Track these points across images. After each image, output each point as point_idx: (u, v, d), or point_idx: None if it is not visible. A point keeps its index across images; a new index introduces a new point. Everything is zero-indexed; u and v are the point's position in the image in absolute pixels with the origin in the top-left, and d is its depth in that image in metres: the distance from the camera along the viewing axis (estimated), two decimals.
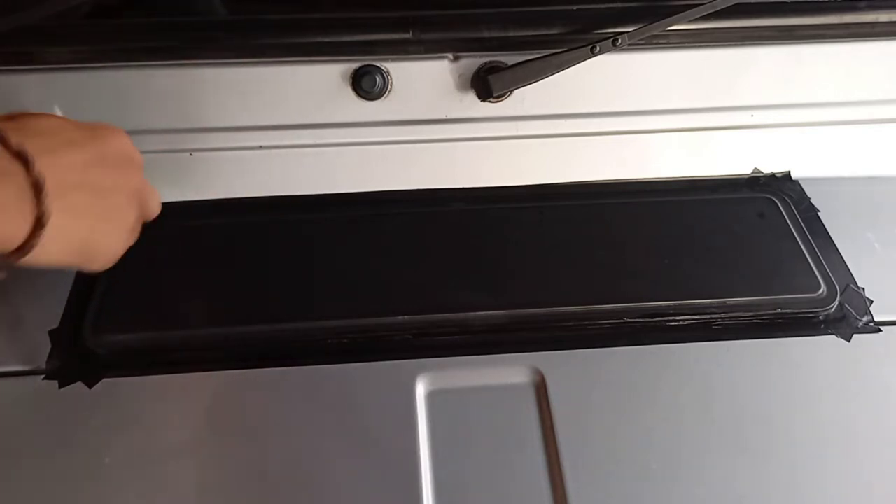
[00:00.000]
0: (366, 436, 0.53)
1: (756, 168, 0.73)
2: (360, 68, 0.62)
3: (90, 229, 0.46)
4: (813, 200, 0.70)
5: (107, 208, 0.47)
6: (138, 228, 0.53)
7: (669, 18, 0.59)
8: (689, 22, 0.60)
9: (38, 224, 0.41)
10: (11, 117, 0.45)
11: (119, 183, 0.48)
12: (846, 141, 0.72)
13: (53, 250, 0.43)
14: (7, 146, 0.41)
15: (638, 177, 0.72)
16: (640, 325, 0.60)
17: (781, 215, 0.68)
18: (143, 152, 0.66)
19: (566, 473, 0.51)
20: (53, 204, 0.42)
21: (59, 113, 0.63)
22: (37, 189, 0.41)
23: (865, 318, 0.60)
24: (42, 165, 0.41)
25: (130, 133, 0.65)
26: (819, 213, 0.69)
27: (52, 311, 0.60)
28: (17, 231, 0.41)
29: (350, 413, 0.54)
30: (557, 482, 0.50)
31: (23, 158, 0.41)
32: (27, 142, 0.41)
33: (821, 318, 0.61)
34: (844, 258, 0.65)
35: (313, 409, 0.55)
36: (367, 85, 0.63)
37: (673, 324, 0.60)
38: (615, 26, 0.61)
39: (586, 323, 0.60)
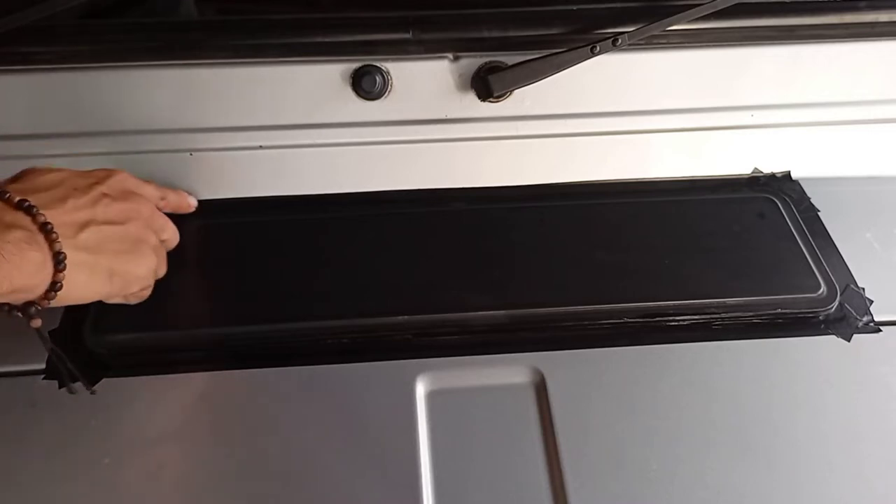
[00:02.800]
0: (366, 436, 0.53)
1: (756, 168, 0.73)
2: (360, 68, 0.62)
3: (112, 259, 0.50)
4: (813, 200, 0.70)
5: (122, 238, 0.51)
6: (163, 256, 0.58)
7: (669, 18, 0.59)
8: (689, 22, 0.60)
9: (58, 262, 0.45)
10: (16, 178, 0.50)
11: (127, 213, 0.52)
12: (846, 141, 0.72)
13: (81, 284, 0.48)
14: (9, 202, 0.45)
15: (638, 177, 0.72)
16: (640, 325, 0.60)
17: (781, 215, 0.68)
18: (143, 152, 0.67)
19: (566, 473, 0.51)
20: (67, 242, 0.46)
21: (58, 112, 0.63)
22: (45, 232, 0.45)
23: (865, 318, 0.60)
24: (47, 214, 0.46)
25: (131, 133, 0.66)
26: (819, 213, 0.69)
27: (52, 311, 0.60)
28: (38, 272, 0.45)
29: (350, 413, 0.54)
30: (557, 482, 0.50)
31: (26, 210, 0.45)
32: (31, 197, 0.46)
33: (821, 318, 0.61)
34: (844, 258, 0.65)
35: (313, 409, 0.55)
36: (367, 85, 0.63)
37: (673, 324, 0.60)
38: (615, 26, 0.61)
39: (586, 323, 0.60)
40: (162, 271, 0.59)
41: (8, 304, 0.47)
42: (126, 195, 0.54)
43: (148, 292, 0.58)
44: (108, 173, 0.54)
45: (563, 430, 0.53)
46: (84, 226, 0.48)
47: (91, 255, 0.48)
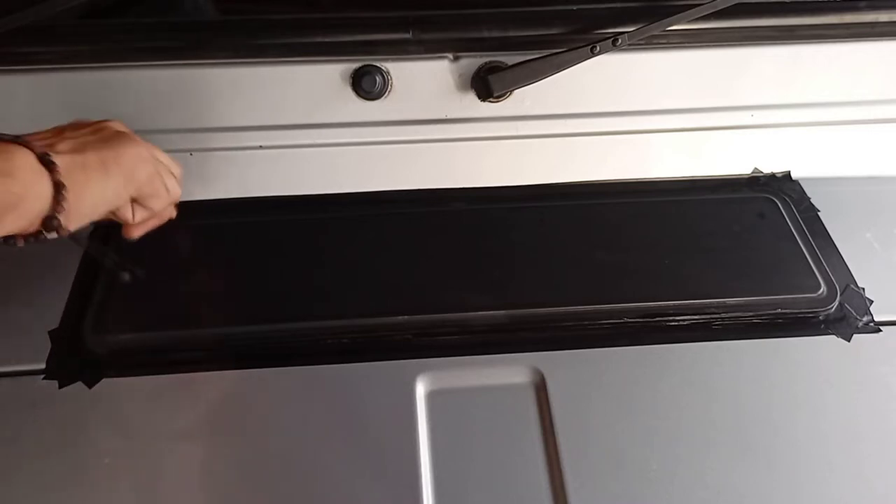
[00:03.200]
0: (366, 436, 0.53)
1: (756, 168, 0.73)
2: (360, 68, 0.62)
3: (98, 151, 0.49)
4: (813, 200, 0.70)
5: (98, 135, 0.51)
6: (165, 170, 0.55)
7: (669, 18, 0.59)
8: (689, 22, 0.60)
9: (47, 163, 0.45)
10: None
11: (98, 127, 0.52)
12: (846, 141, 0.72)
13: (82, 182, 0.47)
14: None
15: (638, 177, 0.72)
16: (640, 325, 0.60)
17: (781, 215, 0.68)
18: None
19: (566, 473, 0.51)
20: (49, 152, 0.45)
21: (58, 112, 0.63)
22: (19, 142, 0.45)
23: (865, 318, 0.60)
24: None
25: None
26: (819, 213, 0.69)
27: (52, 311, 0.60)
28: (32, 176, 0.44)
29: (350, 413, 0.54)
30: (557, 482, 0.50)
31: None
32: None
33: (821, 318, 0.60)
34: (844, 258, 0.65)
35: (313, 409, 0.55)
36: (367, 85, 0.63)
37: (673, 324, 0.60)
38: (615, 26, 0.61)
39: (586, 323, 0.60)
40: (162, 190, 0.54)
41: (29, 233, 0.46)
42: (86, 123, 0.52)
43: (160, 189, 0.53)
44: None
45: (563, 430, 0.53)
46: (59, 142, 0.48)
47: (78, 155, 0.47)
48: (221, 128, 0.66)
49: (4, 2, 0.55)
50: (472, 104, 0.65)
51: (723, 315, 0.60)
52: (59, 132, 0.50)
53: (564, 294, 0.61)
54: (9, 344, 0.58)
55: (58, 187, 0.45)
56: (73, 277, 0.63)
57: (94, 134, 0.51)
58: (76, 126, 0.51)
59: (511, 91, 0.64)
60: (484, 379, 0.56)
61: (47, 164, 0.45)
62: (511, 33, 0.62)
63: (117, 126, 0.53)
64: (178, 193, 0.57)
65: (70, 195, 0.45)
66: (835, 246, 0.66)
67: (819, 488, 0.50)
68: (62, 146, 0.47)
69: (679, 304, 0.60)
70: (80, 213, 0.47)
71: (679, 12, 0.59)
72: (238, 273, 0.63)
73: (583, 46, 0.59)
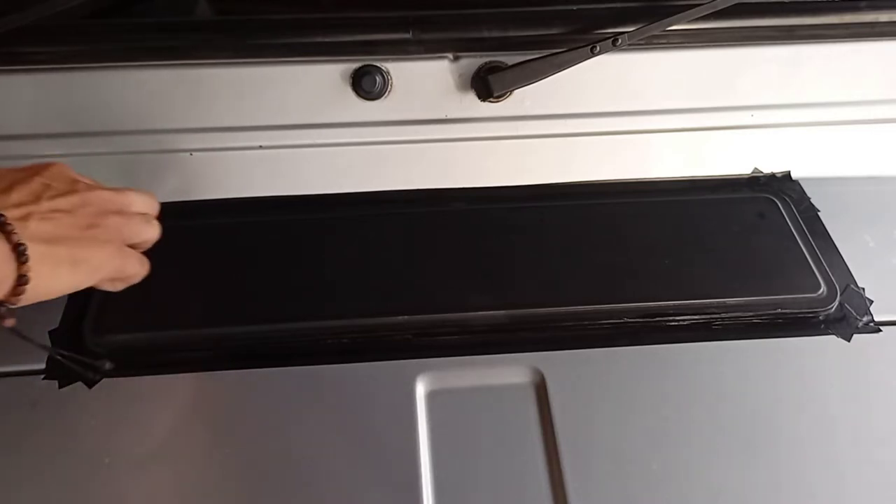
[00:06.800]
0: (366, 436, 0.53)
1: (756, 168, 0.73)
2: (360, 68, 0.62)
3: (71, 245, 0.47)
4: (813, 200, 0.70)
5: (77, 225, 0.49)
6: (130, 255, 0.53)
7: (669, 18, 0.59)
8: (689, 22, 0.60)
9: (20, 254, 0.43)
10: None
11: (75, 202, 0.49)
12: (846, 141, 0.72)
13: (46, 275, 0.45)
14: None
15: (638, 177, 0.72)
16: (640, 325, 0.60)
17: (781, 215, 0.68)
18: (144, 152, 0.67)
19: (566, 473, 0.51)
20: (22, 235, 0.44)
21: (58, 112, 0.63)
22: (2, 226, 0.43)
23: (865, 318, 0.60)
24: None
25: (131, 133, 0.66)
26: (819, 213, 0.69)
27: (52, 311, 0.60)
28: (2, 265, 0.43)
29: (350, 413, 0.54)
30: (557, 482, 0.50)
31: None
32: None
33: (821, 318, 0.61)
34: (844, 258, 0.65)
35: (313, 409, 0.55)
36: (367, 85, 0.63)
37: (673, 324, 0.60)
38: (615, 26, 0.61)
39: (586, 323, 0.60)
40: (132, 270, 0.54)
41: None
42: (67, 183, 0.50)
43: (127, 270, 0.53)
44: (45, 164, 0.51)
45: (563, 430, 0.53)
46: (33, 217, 0.46)
47: (52, 247, 0.46)
48: (221, 128, 0.66)
49: (4, 2, 0.55)
50: (472, 104, 0.65)
51: (723, 315, 0.60)
52: (36, 197, 0.47)
53: (564, 294, 0.61)
54: (9, 344, 0.58)
55: (21, 279, 0.44)
56: None
57: (72, 213, 0.48)
58: (48, 186, 0.49)
59: (511, 91, 0.64)
60: (484, 379, 0.56)
61: (20, 254, 0.43)
62: (511, 33, 0.62)
63: (94, 199, 0.50)
64: (156, 235, 0.55)
65: (30, 286, 0.44)
66: (835, 246, 0.66)
67: (819, 488, 0.50)
68: (39, 228, 0.46)
69: (679, 304, 0.60)
70: (32, 299, 0.46)
71: (679, 12, 0.59)
72: (238, 273, 0.63)
73: (583, 46, 0.59)
